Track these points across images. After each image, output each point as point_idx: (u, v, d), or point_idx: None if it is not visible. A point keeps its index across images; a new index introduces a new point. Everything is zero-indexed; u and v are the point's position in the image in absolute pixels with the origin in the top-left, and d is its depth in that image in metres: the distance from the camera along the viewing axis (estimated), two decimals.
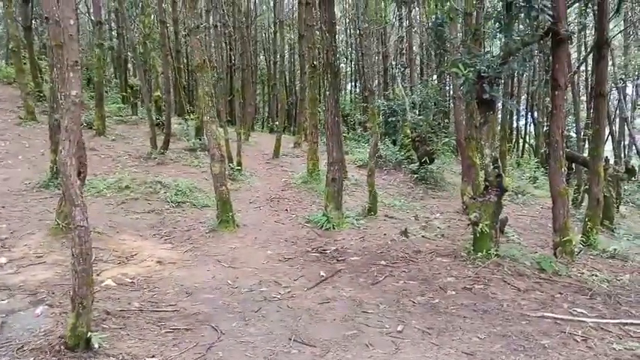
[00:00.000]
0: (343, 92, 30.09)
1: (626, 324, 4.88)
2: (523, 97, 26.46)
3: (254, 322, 4.88)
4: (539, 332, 4.66)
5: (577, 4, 12.68)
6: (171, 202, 10.03)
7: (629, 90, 24.11)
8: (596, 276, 6.65)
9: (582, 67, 20.38)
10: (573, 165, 15.10)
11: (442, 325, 4.85)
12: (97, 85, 14.69)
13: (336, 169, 9.64)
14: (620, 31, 19.62)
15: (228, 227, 8.68)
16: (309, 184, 12.89)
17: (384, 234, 9.06)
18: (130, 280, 6.02)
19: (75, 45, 4.09)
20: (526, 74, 23.70)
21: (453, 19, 10.37)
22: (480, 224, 7.06)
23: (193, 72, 18.13)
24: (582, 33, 19.29)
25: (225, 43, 23.66)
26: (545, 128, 20.23)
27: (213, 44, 18.78)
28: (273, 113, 27.65)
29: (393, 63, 24.06)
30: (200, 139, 14.73)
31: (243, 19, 22.75)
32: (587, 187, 11.31)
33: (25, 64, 15.56)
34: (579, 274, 6.72)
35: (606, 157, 11.87)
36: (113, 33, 22.26)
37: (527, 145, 28.34)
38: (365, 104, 21.00)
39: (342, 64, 29.62)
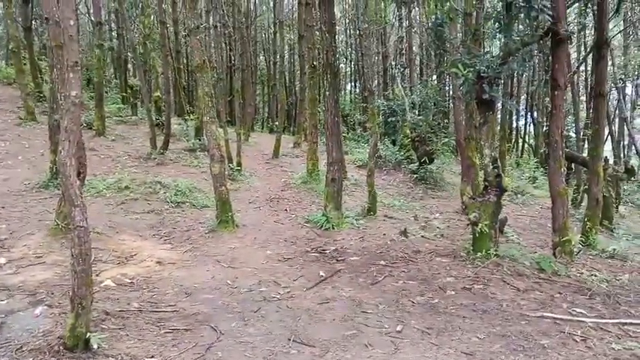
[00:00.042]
0: (343, 92, 30.11)
1: (626, 324, 4.89)
2: (523, 97, 26.47)
3: (253, 322, 4.88)
4: (539, 332, 4.66)
5: (577, 4, 12.68)
6: (171, 202, 10.03)
7: (629, 90, 24.11)
8: (596, 276, 6.65)
9: (582, 67, 20.41)
10: (573, 165, 15.11)
11: (441, 325, 4.85)
12: (96, 85, 14.69)
13: (335, 169, 9.64)
14: (620, 31, 19.61)
15: (227, 227, 8.68)
16: (308, 184, 12.89)
17: (384, 234, 9.06)
18: (130, 281, 6.02)
19: (75, 45, 4.09)
20: (526, 74, 23.73)
21: (452, 19, 10.37)
22: (480, 224, 7.07)
23: (193, 72, 18.10)
24: (582, 33, 19.30)
25: (225, 43, 23.67)
26: (544, 128, 20.26)
27: (213, 45, 18.79)
28: (273, 113, 27.66)
29: (393, 63, 24.04)
30: (200, 140, 14.73)
31: (243, 19, 22.75)
32: (586, 187, 11.32)
33: (25, 64, 15.56)
34: (578, 274, 6.72)
35: (606, 157, 11.87)
36: (113, 33, 22.27)
37: (526, 145, 28.36)
38: (365, 104, 21.00)
39: (341, 65, 29.62)
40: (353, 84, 32.05)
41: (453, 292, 5.85)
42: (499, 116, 18.25)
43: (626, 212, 14.75)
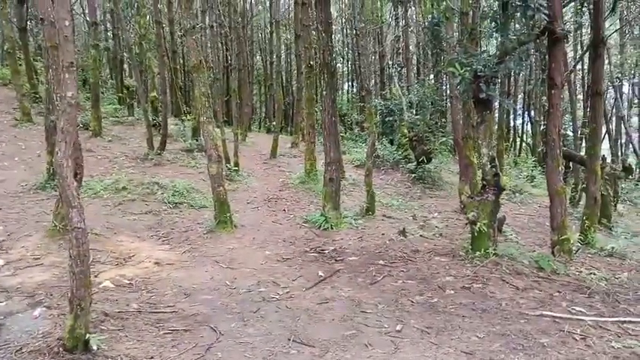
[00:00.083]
0: (340, 92, 30.10)
1: (625, 322, 4.89)
2: (520, 96, 26.53)
3: (253, 322, 4.87)
4: (538, 331, 4.66)
5: (573, 3, 12.72)
6: (169, 203, 10.00)
7: (626, 88, 24.23)
8: (595, 274, 6.66)
9: (579, 66, 20.45)
10: (570, 164, 15.14)
11: (441, 325, 4.85)
12: (92, 86, 14.65)
13: (333, 169, 9.63)
14: (616, 30, 19.68)
15: (225, 228, 8.66)
16: (306, 184, 12.88)
17: (382, 234, 9.06)
18: (128, 282, 6.00)
19: (70, 46, 4.07)
20: (522, 73, 23.72)
21: (449, 18, 10.41)
22: (478, 223, 7.07)
23: (189, 72, 18.00)
24: (578, 32, 19.33)
25: (222, 43, 23.59)
26: (542, 127, 20.27)
27: (209, 45, 18.77)
28: (270, 113, 27.65)
29: (390, 63, 24.08)
30: (197, 140, 14.70)
31: (239, 19, 22.69)
32: (584, 185, 11.35)
33: (20, 65, 15.52)
34: (577, 273, 6.73)
35: (603, 155, 11.89)
36: (109, 34, 22.22)
37: (524, 144, 28.41)
38: (362, 104, 20.98)
39: (338, 64, 29.58)
40: (350, 83, 32.03)
41: (452, 292, 5.85)
42: (496, 115, 18.29)
43: (625, 210, 14.77)
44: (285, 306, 5.36)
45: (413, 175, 15.06)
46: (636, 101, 24.75)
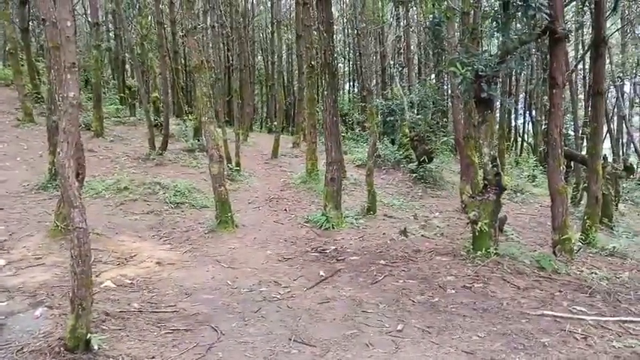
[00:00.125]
0: (341, 92, 30.11)
1: (626, 321, 4.89)
2: (521, 95, 26.49)
3: (254, 322, 4.88)
4: (539, 330, 4.66)
5: (574, 3, 12.71)
6: (170, 202, 10.02)
7: (627, 88, 24.17)
8: (596, 274, 6.65)
9: (580, 66, 20.43)
10: (572, 163, 15.13)
11: (442, 324, 4.85)
12: (94, 86, 14.67)
13: (334, 168, 9.64)
14: (618, 29, 19.64)
15: (227, 228, 8.67)
16: (307, 184, 12.89)
17: (384, 233, 9.06)
18: (130, 281, 6.01)
19: (72, 46, 4.08)
20: (524, 73, 23.72)
21: (450, 18, 10.39)
22: (479, 223, 7.07)
23: (191, 73, 18.09)
24: (579, 31, 19.31)
25: (223, 43, 23.62)
26: (543, 127, 20.28)
27: (210, 45, 18.76)
28: (272, 113, 27.67)
29: (391, 62, 24.07)
30: (198, 140, 14.72)
31: (241, 19, 22.73)
32: (585, 185, 11.33)
33: (22, 65, 15.54)
34: (578, 272, 6.73)
35: (605, 155, 11.90)
36: (110, 34, 22.23)
37: (525, 144, 28.39)
38: (363, 104, 20.98)
39: (339, 64, 29.62)
40: (351, 83, 32.05)
41: (453, 291, 5.85)
42: (498, 115, 18.26)
43: (626, 210, 14.76)
44: (287, 306, 5.36)
45: (414, 175, 15.05)
46: (637, 100, 24.70)
